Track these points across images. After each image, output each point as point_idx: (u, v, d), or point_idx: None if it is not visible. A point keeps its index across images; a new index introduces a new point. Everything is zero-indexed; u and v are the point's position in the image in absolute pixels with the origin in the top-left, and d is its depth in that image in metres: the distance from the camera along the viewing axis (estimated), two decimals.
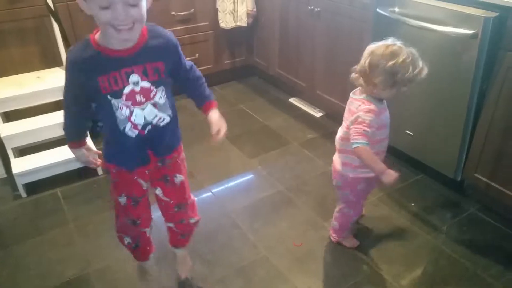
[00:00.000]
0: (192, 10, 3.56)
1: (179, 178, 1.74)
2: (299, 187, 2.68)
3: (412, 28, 2.34)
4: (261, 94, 3.91)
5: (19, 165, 2.63)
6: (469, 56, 2.15)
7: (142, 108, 1.45)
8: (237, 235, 2.34)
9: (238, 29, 3.73)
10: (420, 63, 1.76)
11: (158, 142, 1.58)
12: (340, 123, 1.99)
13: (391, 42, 1.78)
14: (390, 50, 1.74)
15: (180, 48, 1.53)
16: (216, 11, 3.64)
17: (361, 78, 1.82)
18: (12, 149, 2.73)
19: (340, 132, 1.98)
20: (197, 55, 3.73)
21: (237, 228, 2.38)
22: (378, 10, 2.53)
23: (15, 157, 2.74)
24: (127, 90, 1.40)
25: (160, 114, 1.50)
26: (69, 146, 1.64)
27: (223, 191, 2.69)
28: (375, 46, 1.80)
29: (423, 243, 2.26)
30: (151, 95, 1.45)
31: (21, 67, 3.03)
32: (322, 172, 2.80)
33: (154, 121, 1.50)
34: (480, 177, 2.33)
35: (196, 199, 1.91)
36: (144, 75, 1.42)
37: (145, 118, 1.47)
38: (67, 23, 3.02)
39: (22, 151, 2.86)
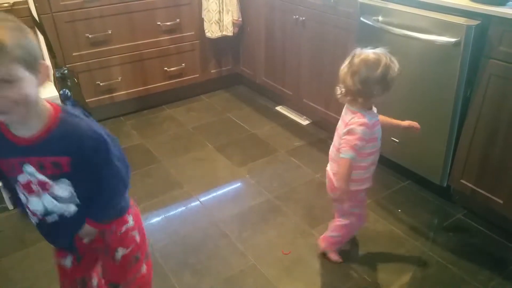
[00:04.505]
0: (178, 20, 3.57)
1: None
2: (287, 195, 2.68)
3: (396, 37, 2.37)
4: (248, 102, 3.92)
5: None
6: (452, 64, 2.18)
7: (39, 196, 1.28)
8: (225, 244, 2.33)
9: (224, 38, 3.74)
10: (393, 59, 1.78)
11: (71, 229, 1.38)
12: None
13: (359, 52, 1.80)
14: (371, 60, 1.75)
15: (110, 153, 1.26)
16: (201, 21, 3.65)
17: (356, 98, 1.80)
18: None
19: (336, 142, 1.95)
20: (183, 64, 3.73)
21: (225, 237, 2.38)
22: (362, 19, 2.55)
23: None
24: (22, 179, 1.24)
25: (62, 206, 1.30)
26: None
27: (211, 200, 2.68)
28: (352, 65, 1.78)
29: (411, 249, 2.27)
30: (48, 187, 1.26)
31: None
32: (310, 179, 2.81)
33: (57, 211, 1.31)
34: (466, 183, 2.35)
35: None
36: (40, 169, 1.22)
37: (44, 206, 1.29)
38: (53, 34, 3.01)
39: None
